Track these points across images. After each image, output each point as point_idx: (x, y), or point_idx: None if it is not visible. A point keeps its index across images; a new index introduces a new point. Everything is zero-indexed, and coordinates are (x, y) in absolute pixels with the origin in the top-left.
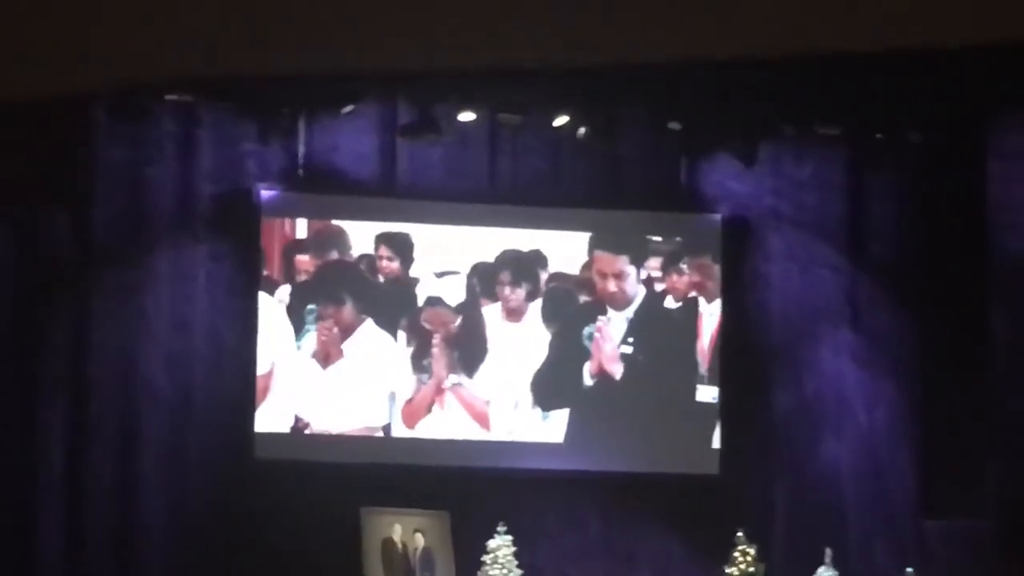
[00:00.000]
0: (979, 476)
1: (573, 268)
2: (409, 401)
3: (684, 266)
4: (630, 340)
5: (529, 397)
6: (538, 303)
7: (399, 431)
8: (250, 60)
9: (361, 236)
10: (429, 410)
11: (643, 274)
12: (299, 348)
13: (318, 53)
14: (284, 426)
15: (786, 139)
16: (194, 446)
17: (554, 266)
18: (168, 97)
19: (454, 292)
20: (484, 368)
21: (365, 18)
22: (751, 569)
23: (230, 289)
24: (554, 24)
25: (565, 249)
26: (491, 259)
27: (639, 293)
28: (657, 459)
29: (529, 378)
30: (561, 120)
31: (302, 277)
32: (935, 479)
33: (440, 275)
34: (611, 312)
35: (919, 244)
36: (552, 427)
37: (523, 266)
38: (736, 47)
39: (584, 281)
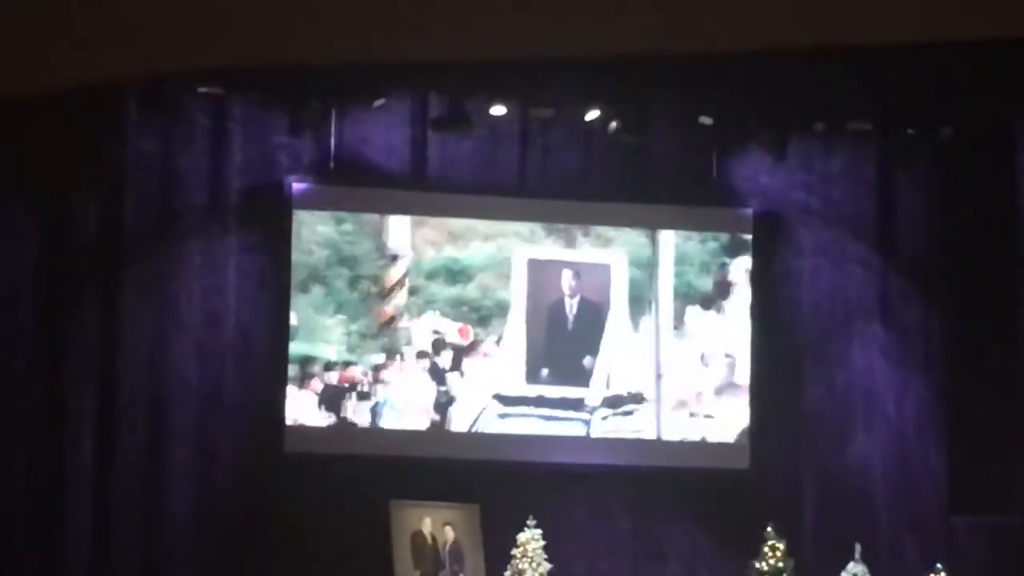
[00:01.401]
0: (1008, 473)
1: None
2: None
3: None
4: None
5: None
6: None
7: (429, 424)
8: (281, 51)
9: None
10: None
11: None
12: None
13: (349, 44)
14: (314, 419)
15: (816, 134)
16: (224, 438)
17: None
18: (199, 90)
19: None
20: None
21: (396, 9)
22: (780, 564)
23: (261, 281)
24: (585, 17)
25: None
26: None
27: None
28: (687, 453)
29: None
30: (592, 114)
31: None
32: (964, 475)
33: None
34: None
35: (949, 239)
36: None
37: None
38: (766, 41)
39: None
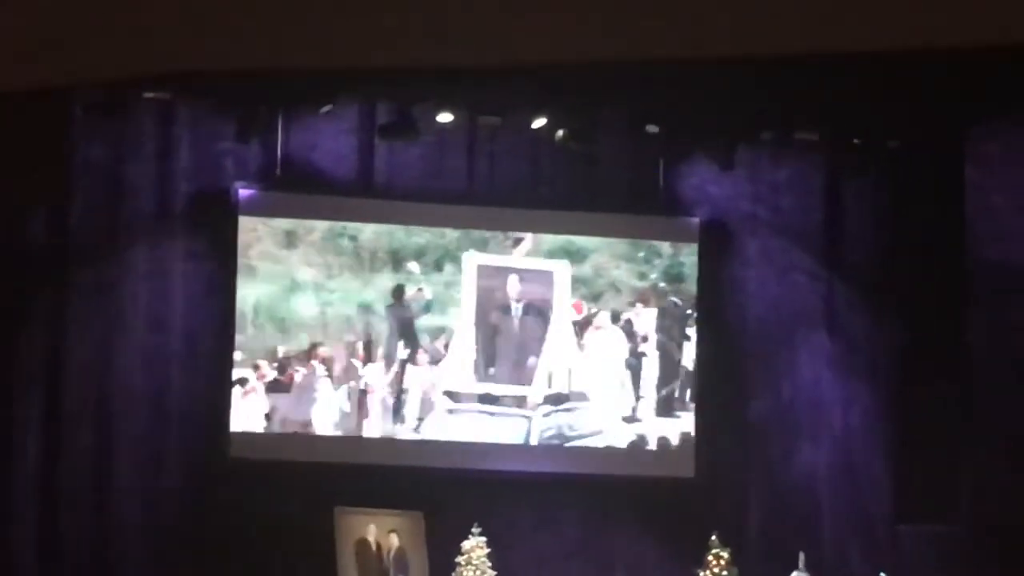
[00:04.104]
0: (953, 482)
1: None
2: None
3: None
4: None
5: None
6: None
7: (374, 431)
8: (228, 56)
9: None
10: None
11: None
12: None
13: (297, 50)
14: (259, 425)
15: (764, 143)
16: (170, 444)
17: None
18: (147, 95)
19: None
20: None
21: (344, 15)
22: (725, 572)
23: (207, 287)
24: (532, 25)
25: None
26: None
27: None
28: (633, 461)
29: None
30: (539, 122)
31: None
32: (909, 484)
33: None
34: None
35: (896, 250)
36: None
37: None
38: (714, 50)
39: None
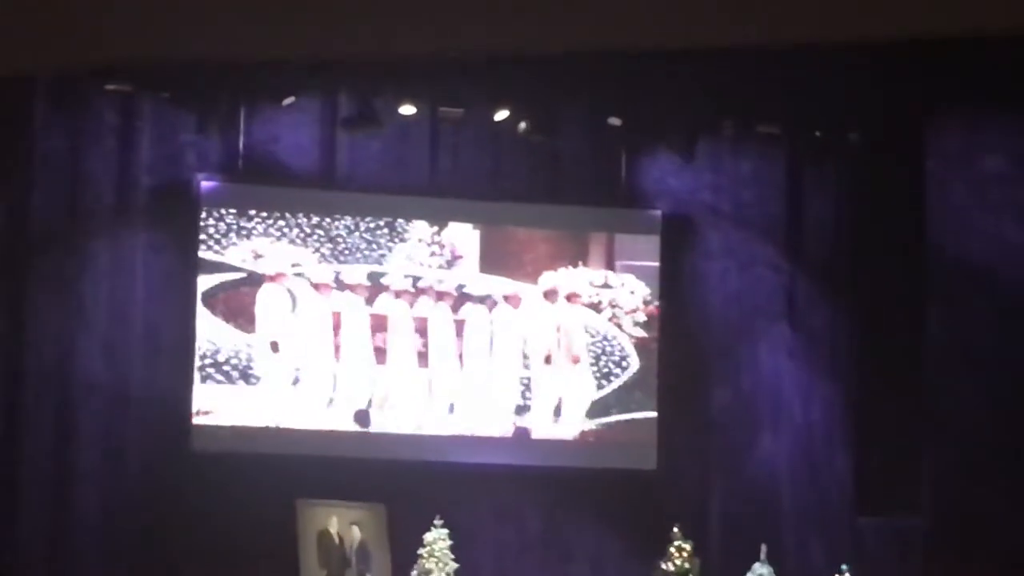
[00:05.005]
0: (913, 474)
1: None
2: None
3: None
4: None
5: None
6: None
7: (337, 424)
8: (188, 46)
9: None
10: None
11: None
12: None
13: (258, 40)
14: (221, 418)
15: (725, 136)
16: (131, 438)
17: None
18: (107, 87)
19: None
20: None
21: (305, 5)
22: (687, 565)
23: (168, 280)
24: (494, 16)
25: None
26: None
27: None
28: (596, 454)
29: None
30: (501, 114)
31: None
32: (870, 477)
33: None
34: None
35: (857, 242)
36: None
37: None
38: (675, 42)
39: None
